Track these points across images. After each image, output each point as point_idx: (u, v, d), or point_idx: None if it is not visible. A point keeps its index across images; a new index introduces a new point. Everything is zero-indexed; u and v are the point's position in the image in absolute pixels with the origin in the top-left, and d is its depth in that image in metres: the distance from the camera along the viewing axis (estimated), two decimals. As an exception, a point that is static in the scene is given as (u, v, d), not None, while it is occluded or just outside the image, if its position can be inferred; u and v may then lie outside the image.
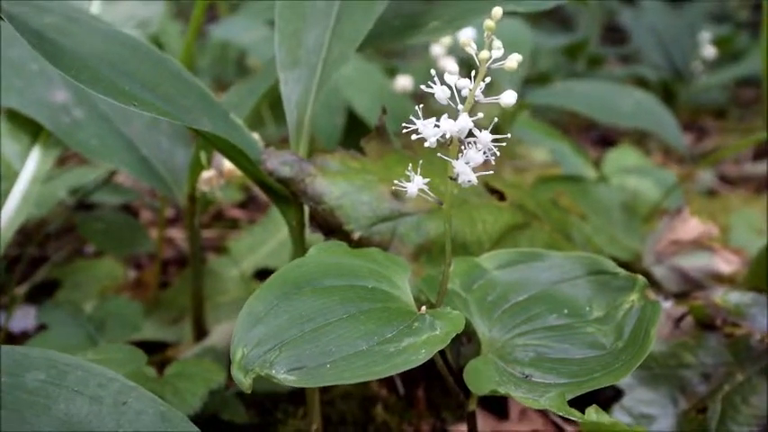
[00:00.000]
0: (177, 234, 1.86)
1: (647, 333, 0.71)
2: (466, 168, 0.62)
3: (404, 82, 1.65)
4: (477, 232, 0.94)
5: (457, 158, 0.63)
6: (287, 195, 0.86)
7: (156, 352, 1.25)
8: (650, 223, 1.60)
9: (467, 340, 0.91)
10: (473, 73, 0.62)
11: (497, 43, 0.58)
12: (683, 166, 2.50)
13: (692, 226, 1.26)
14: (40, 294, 1.45)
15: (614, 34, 3.90)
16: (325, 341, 0.62)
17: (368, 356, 0.61)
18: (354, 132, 1.83)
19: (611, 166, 1.87)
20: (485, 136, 0.61)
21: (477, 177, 1.08)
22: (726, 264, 1.26)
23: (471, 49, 0.59)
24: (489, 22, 0.57)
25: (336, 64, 0.86)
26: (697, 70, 2.80)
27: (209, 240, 1.82)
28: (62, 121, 1.13)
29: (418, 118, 0.63)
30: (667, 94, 2.84)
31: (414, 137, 0.62)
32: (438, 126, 0.61)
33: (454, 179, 0.64)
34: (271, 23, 2.20)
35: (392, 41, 0.93)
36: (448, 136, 0.60)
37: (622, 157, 1.92)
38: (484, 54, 0.57)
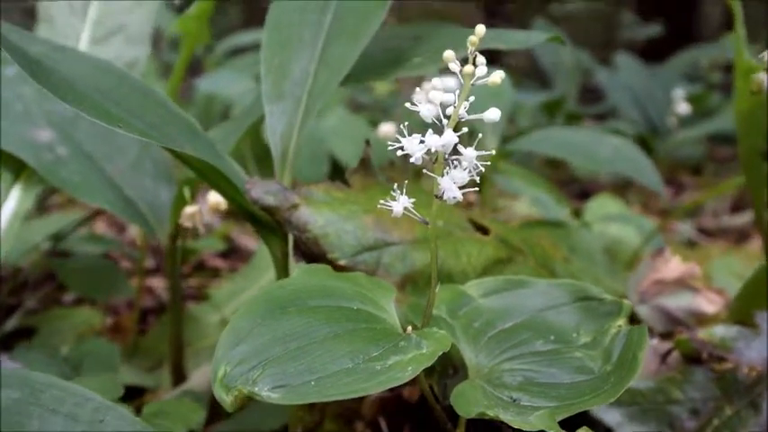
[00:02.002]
0: (157, 283, 1.83)
1: (635, 356, 0.71)
2: (451, 185, 0.62)
3: (387, 129, 1.67)
4: (461, 264, 0.94)
5: (442, 176, 0.63)
6: (271, 224, 0.86)
7: (134, 398, 1.21)
8: (632, 269, 1.60)
9: (453, 372, 0.89)
10: (457, 91, 0.63)
11: (481, 59, 0.59)
12: (662, 218, 2.53)
13: (674, 265, 1.26)
14: (16, 341, 1.42)
15: (591, 95, 4.01)
16: (310, 359, 0.61)
17: (353, 374, 0.60)
18: (338, 181, 1.84)
19: (592, 214, 1.89)
20: (470, 152, 0.62)
21: (462, 215, 1.09)
22: (709, 303, 1.27)
23: (455, 66, 0.60)
24: (473, 38, 0.58)
25: (321, 94, 0.87)
26: (672, 125, 2.87)
27: (191, 289, 1.79)
28: (45, 158, 1.12)
29: (403, 141, 0.64)
30: (645, 149, 2.90)
31: (399, 153, 0.63)
32: (423, 142, 0.61)
33: (440, 197, 0.64)
34: (257, 78, 2.24)
35: (377, 76, 0.95)
36: (433, 151, 0.61)
37: (603, 205, 1.95)
38: (468, 68, 0.59)
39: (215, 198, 1.02)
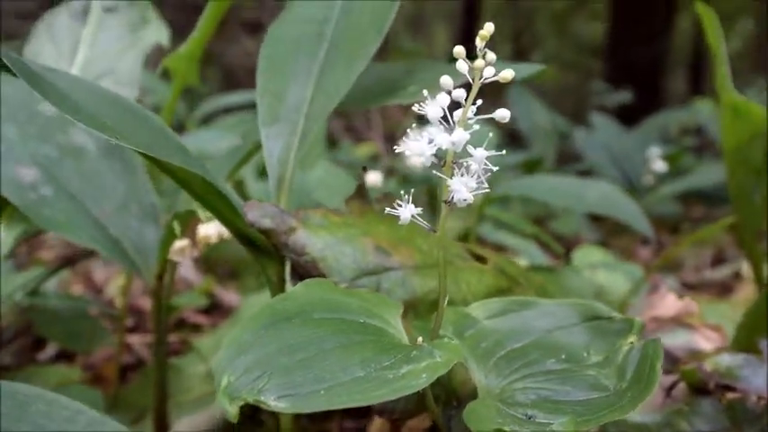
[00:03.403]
0: (136, 340, 1.77)
1: (653, 368, 0.68)
2: (461, 186, 0.61)
3: (374, 178, 1.67)
4: (462, 292, 0.91)
5: (452, 177, 0.62)
6: (268, 249, 0.83)
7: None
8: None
9: (457, 404, 0.86)
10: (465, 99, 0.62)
11: (491, 56, 0.58)
12: (644, 272, 2.54)
13: (670, 302, 1.25)
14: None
15: (567, 158, 4.08)
16: (318, 369, 0.57)
17: (365, 382, 0.56)
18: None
19: (579, 262, 1.88)
20: (480, 152, 0.60)
21: (461, 245, 1.07)
22: (707, 341, 1.25)
23: (463, 65, 0.60)
24: (483, 32, 0.58)
25: (318, 117, 0.86)
26: (649, 182, 2.92)
27: (172, 344, 1.73)
28: (29, 197, 1.09)
29: (411, 143, 0.62)
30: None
31: (407, 153, 0.61)
32: (432, 141, 0.60)
33: (449, 201, 0.63)
34: (244, 136, 2.23)
35: (372, 103, 0.95)
36: (444, 148, 0.60)
37: (588, 254, 1.94)
38: (478, 63, 0.58)
39: (206, 231, 0.99)
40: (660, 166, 2.88)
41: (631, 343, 0.74)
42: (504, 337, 0.77)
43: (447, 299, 0.84)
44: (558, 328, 0.78)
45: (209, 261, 2.33)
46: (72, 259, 1.60)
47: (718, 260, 2.88)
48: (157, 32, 1.42)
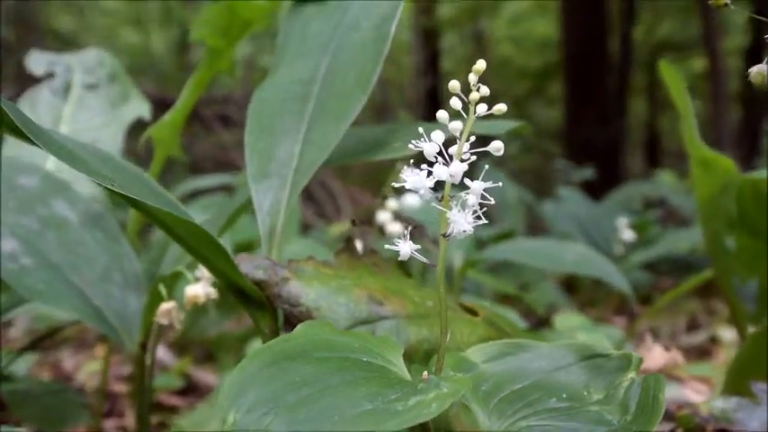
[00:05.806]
0: (110, 424, 1.70)
1: (656, 399, 0.68)
2: (461, 218, 0.62)
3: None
4: (455, 341, 0.91)
5: (449, 209, 0.63)
6: (261, 300, 0.82)
7: None
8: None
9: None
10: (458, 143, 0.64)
11: (484, 89, 0.61)
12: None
13: (656, 354, 1.25)
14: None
15: (536, 231, 4.15)
16: (325, 404, 0.56)
17: (374, 414, 0.55)
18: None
19: (560, 326, 1.89)
20: (477, 184, 0.62)
21: (450, 297, 1.07)
22: (696, 393, 1.25)
23: (457, 100, 0.62)
24: (477, 67, 0.60)
25: (307, 170, 0.88)
26: (620, 251, 2.97)
27: (150, 428, 1.66)
28: (9, 267, 1.08)
29: (408, 177, 0.64)
30: (597, 277, 2.97)
31: (406, 188, 0.63)
32: (431, 173, 0.62)
33: (447, 235, 0.64)
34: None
35: (359, 158, 0.97)
36: (443, 178, 0.61)
37: (569, 320, 1.95)
38: (474, 95, 0.60)
39: (193, 291, 0.97)
40: (629, 235, 2.94)
41: (631, 378, 0.74)
42: (503, 379, 0.76)
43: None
44: (556, 368, 0.78)
45: (184, 342, 2.28)
46: (37, 341, 1.55)
47: (692, 327, 2.90)
48: (138, 108, 1.45)
